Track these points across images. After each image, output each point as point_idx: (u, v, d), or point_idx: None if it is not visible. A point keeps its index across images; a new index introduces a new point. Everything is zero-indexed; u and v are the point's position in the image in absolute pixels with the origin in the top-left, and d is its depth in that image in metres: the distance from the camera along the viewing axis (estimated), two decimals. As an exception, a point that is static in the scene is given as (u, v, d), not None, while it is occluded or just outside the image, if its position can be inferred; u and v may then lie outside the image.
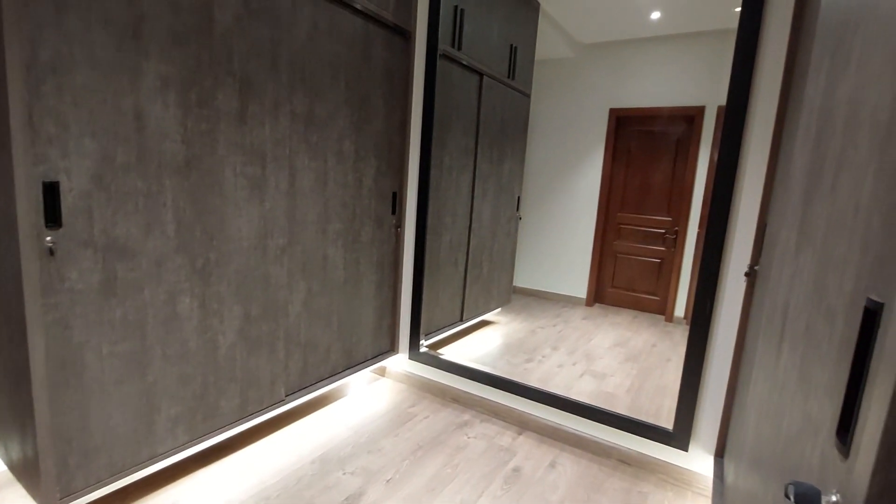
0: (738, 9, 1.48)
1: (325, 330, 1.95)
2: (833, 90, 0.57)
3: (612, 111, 3.05)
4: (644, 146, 2.97)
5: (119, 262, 1.25)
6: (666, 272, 3.03)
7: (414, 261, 2.29)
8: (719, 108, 2.65)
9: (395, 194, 2.21)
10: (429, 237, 2.29)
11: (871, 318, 0.30)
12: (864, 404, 0.31)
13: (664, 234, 2.99)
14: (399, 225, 2.27)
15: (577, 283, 3.30)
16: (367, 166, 2.02)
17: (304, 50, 1.66)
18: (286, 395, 1.81)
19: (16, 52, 1.04)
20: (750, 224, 1.51)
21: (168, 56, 1.28)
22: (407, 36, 2.11)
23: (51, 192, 1.11)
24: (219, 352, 1.53)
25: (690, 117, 2.79)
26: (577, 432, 1.91)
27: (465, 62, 2.36)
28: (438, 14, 2.08)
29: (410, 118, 2.20)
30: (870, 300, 0.31)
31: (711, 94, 2.67)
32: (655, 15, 2.75)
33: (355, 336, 2.12)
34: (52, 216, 1.12)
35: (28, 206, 1.09)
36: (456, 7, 2.24)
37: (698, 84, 2.71)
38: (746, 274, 1.50)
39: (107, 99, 1.18)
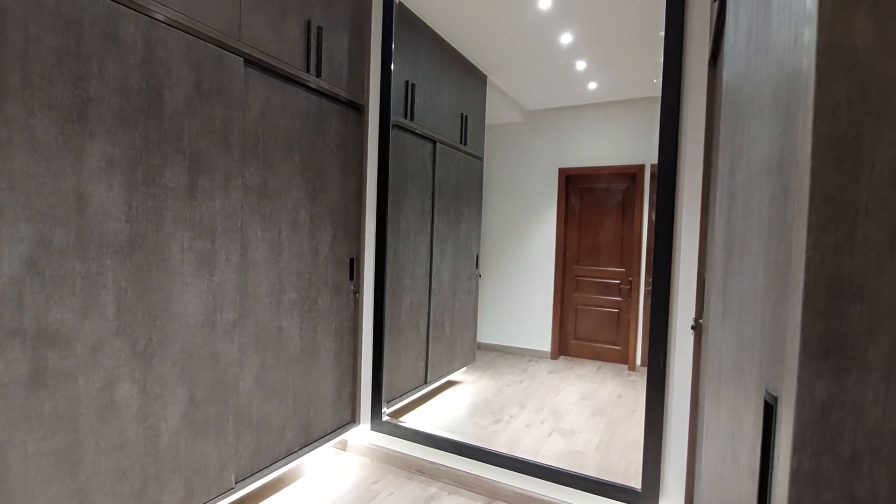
0: (656, 80, 1.64)
1: (280, 406, 1.85)
2: (735, 174, 0.63)
3: (561, 170, 3.22)
4: (593, 202, 3.13)
5: (51, 351, 1.17)
6: (624, 322, 3.11)
7: (374, 326, 2.26)
8: (652, 166, 2.85)
9: (352, 260, 2.21)
10: (388, 300, 2.28)
11: (769, 410, 0.33)
12: (773, 489, 0.32)
13: (619, 284, 3.09)
14: (357, 290, 2.25)
15: (541, 336, 3.32)
16: (324, 234, 2.02)
17: (257, 126, 1.70)
18: (236, 482, 1.68)
19: (-53, 140, 1.01)
20: (691, 279, 1.60)
21: (115, 137, 1.27)
22: (360, 110, 2.20)
23: (-24, 281, 1.05)
24: (160, 440, 1.42)
25: (632, 175, 2.99)
26: (547, 499, 1.85)
27: (418, 131, 2.47)
28: (390, 89, 2.19)
29: (366, 186, 2.25)
30: (767, 392, 0.33)
31: (648, 154, 2.88)
32: (592, 85, 2.99)
33: (313, 410, 2.02)
34: (-24, 306, 1.05)
35: (-52, 297, 1.01)
36: (407, 82, 2.37)
37: (635, 145, 2.93)
38: (692, 327, 1.57)
39: (46, 182, 1.15)
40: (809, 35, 0.29)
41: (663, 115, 1.63)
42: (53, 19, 1.14)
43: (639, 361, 3.01)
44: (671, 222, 1.61)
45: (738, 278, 0.51)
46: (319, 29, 1.90)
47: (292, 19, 1.79)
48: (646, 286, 2.90)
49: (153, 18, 1.34)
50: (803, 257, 0.28)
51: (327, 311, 2.07)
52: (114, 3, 1.25)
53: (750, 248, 0.46)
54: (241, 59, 1.60)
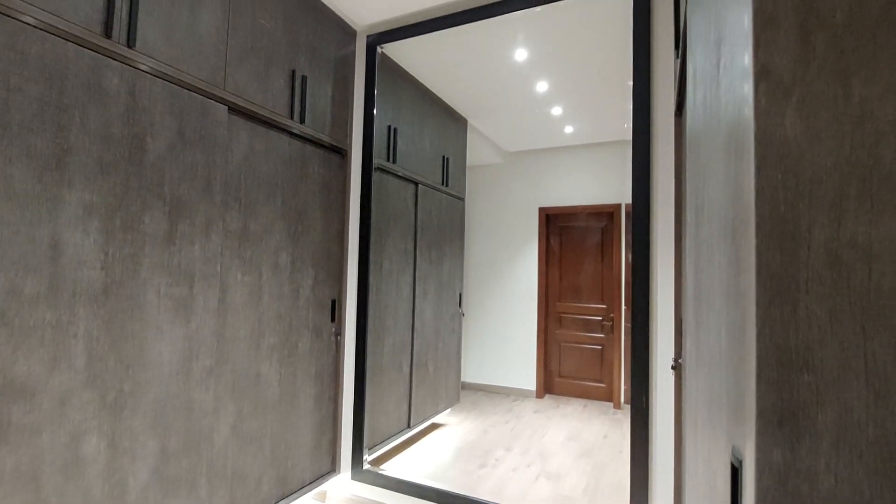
0: (627, 125, 1.73)
1: (257, 456, 1.78)
2: (699, 227, 0.67)
3: (541, 209, 3.29)
4: (573, 240, 3.19)
5: (15, 405, 1.12)
6: (608, 359, 3.12)
7: (355, 369, 2.22)
8: (626, 205, 2.94)
9: (334, 302, 2.19)
10: (371, 342, 2.25)
11: (735, 472, 0.34)
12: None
13: (601, 321, 3.12)
14: (339, 333, 2.22)
15: (526, 374, 3.30)
16: (305, 276, 2.01)
17: (240, 171, 1.71)
18: (208, 541, 1.59)
19: (-81, 190, 0.99)
20: (669, 319, 1.63)
21: (94, 184, 1.27)
22: (343, 154, 2.24)
23: (-62, 334, 1.01)
24: (128, 497, 1.35)
25: (610, 213, 3.07)
26: (533, 548, 1.79)
27: (400, 174, 2.52)
28: (372, 134, 2.25)
29: (348, 227, 2.26)
30: (733, 455, 0.34)
31: (624, 193, 2.98)
32: (569, 129, 3.12)
33: (291, 459, 1.95)
34: (-64, 360, 1.01)
35: None
36: (389, 126, 2.43)
37: (611, 185, 3.03)
38: (672, 367, 1.58)
39: (20, 230, 1.13)
40: (747, 121, 0.32)
41: (635, 160, 1.70)
42: (37, 71, 1.16)
43: (623, 399, 3.00)
44: (647, 263, 1.66)
45: (707, 331, 0.53)
46: (304, 78, 1.96)
47: (277, 69, 1.85)
48: (625, 322, 2.93)
49: (138, 69, 1.37)
50: (754, 329, 0.29)
51: (307, 354, 2.03)
52: (99, 55, 1.28)
53: (714, 304, 0.48)
54: (226, 107, 1.63)
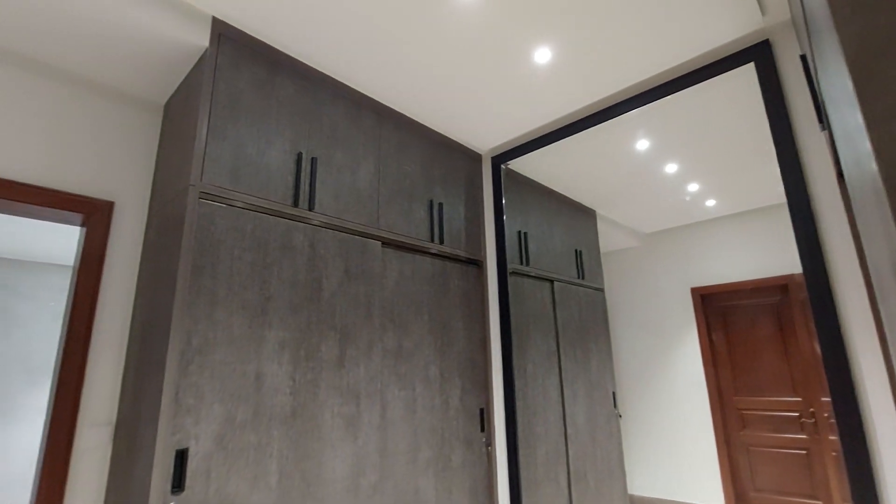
0: (778, 188, 1.56)
1: (421, 579, 1.76)
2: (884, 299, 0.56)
3: (694, 290, 3.00)
4: (740, 321, 2.81)
5: (226, 521, 1.31)
6: (818, 465, 2.50)
7: (509, 483, 2.13)
8: (798, 275, 2.53)
9: (482, 410, 2.20)
10: (522, 452, 2.17)
11: None
12: None
13: (799, 417, 2.56)
14: (489, 443, 2.19)
15: (709, 486, 2.79)
16: (452, 387, 2.08)
17: (393, 294, 1.93)
18: None
19: (176, 343, 1.32)
20: (891, 411, 1.29)
21: (285, 323, 1.55)
22: (479, 264, 2.40)
23: (180, 459, 1.27)
24: None
25: (781, 286, 2.66)
26: None
27: (533, 274, 2.57)
28: (504, 242, 2.38)
29: (489, 334, 2.33)
30: None
31: (794, 263, 2.58)
32: (710, 202, 2.90)
33: (453, 584, 1.88)
34: (178, 481, 1.26)
35: (160, 474, 1.23)
36: (519, 232, 2.55)
37: (773, 254, 2.66)
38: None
39: (235, 367, 1.42)
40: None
41: (797, 230, 1.51)
42: (250, 241, 1.52)
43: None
44: (839, 343, 1.38)
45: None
46: (440, 205, 2.22)
47: (418, 203, 2.13)
48: (830, 418, 2.37)
49: (315, 226, 1.71)
50: None
51: (460, 468, 2.02)
52: (290, 220, 1.63)
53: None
54: (380, 242, 1.91)
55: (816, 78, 1.07)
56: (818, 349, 2.43)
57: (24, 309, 4.14)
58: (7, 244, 3.84)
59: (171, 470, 1.25)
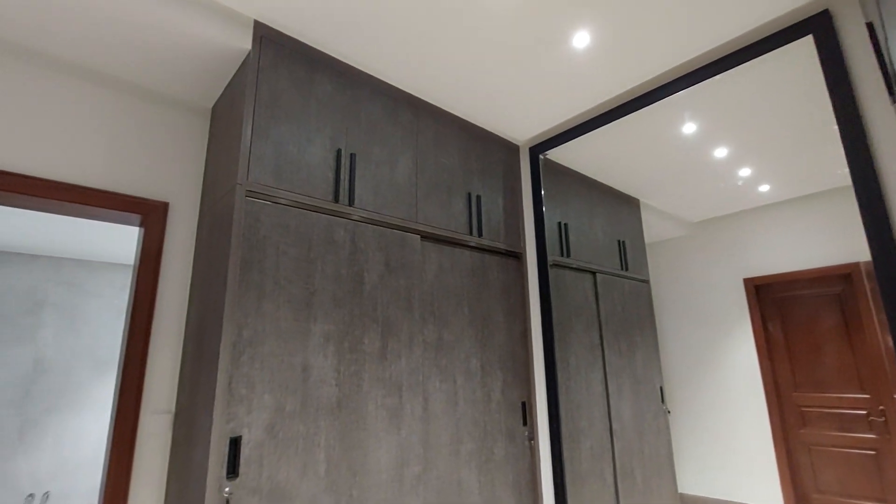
0: (840, 171, 1.45)
1: (466, 570, 1.77)
2: None
3: (747, 280, 2.85)
4: (799, 313, 2.64)
5: (278, 507, 1.37)
6: (889, 468, 2.33)
7: (553, 478, 2.10)
8: (864, 263, 2.35)
9: (524, 404, 2.18)
10: (566, 446, 2.13)
11: None
12: None
13: (866, 415, 2.39)
14: (532, 437, 2.17)
15: (766, 486, 2.65)
16: (494, 380, 2.07)
17: (433, 287, 1.94)
18: None
19: (228, 335, 1.38)
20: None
21: (330, 317, 1.59)
22: (519, 256, 2.37)
23: (234, 446, 1.33)
24: None
25: (845, 275, 2.48)
26: None
27: (575, 266, 2.51)
28: (544, 233, 2.34)
29: (531, 326, 2.30)
30: None
31: (857, 251, 2.40)
32: (764, 188, 2.74)
33: (499, 577, 1.88)
34: (232, 467, 1.31)
35: (216, 460, 1.29)
36: (560, 223, 2.50)
37: (835, 241, 2.48)
38: None
39: (284, 359, 1.46)
40: None
41: (864, 214, 1.40)
42: (295, 237, 1.56)
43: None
44: None
45: None
46: (478, 197, 2.20)
47: (456, 195, 2.12)
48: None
49: (356, 221, 1.74)
50: None
51: (503, 461, 2.01)
52: (331, 216, 1.67)
53: None
54: (419, 235, 1.92)
55: (887, 46, 0.98)
56: (890, 342, 2.26)
57: (91, 306, 4.45)
58: (75, 246, 4.14)
59: (226, 457, 1.31)
